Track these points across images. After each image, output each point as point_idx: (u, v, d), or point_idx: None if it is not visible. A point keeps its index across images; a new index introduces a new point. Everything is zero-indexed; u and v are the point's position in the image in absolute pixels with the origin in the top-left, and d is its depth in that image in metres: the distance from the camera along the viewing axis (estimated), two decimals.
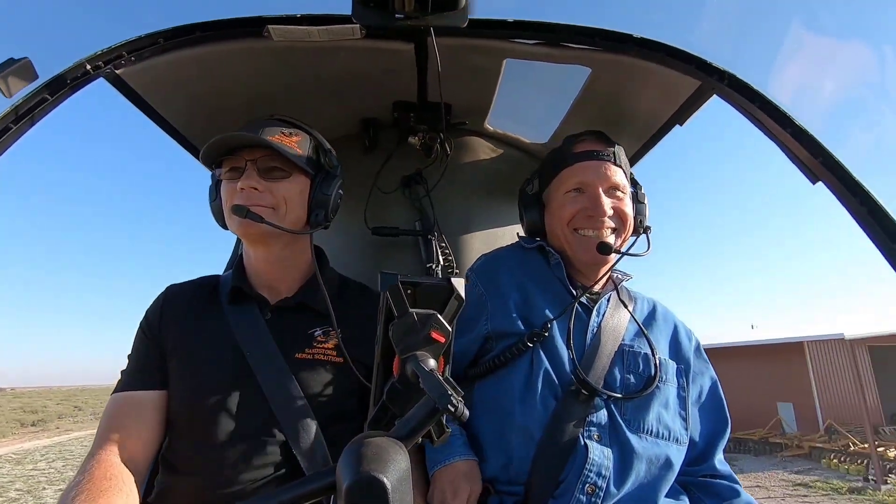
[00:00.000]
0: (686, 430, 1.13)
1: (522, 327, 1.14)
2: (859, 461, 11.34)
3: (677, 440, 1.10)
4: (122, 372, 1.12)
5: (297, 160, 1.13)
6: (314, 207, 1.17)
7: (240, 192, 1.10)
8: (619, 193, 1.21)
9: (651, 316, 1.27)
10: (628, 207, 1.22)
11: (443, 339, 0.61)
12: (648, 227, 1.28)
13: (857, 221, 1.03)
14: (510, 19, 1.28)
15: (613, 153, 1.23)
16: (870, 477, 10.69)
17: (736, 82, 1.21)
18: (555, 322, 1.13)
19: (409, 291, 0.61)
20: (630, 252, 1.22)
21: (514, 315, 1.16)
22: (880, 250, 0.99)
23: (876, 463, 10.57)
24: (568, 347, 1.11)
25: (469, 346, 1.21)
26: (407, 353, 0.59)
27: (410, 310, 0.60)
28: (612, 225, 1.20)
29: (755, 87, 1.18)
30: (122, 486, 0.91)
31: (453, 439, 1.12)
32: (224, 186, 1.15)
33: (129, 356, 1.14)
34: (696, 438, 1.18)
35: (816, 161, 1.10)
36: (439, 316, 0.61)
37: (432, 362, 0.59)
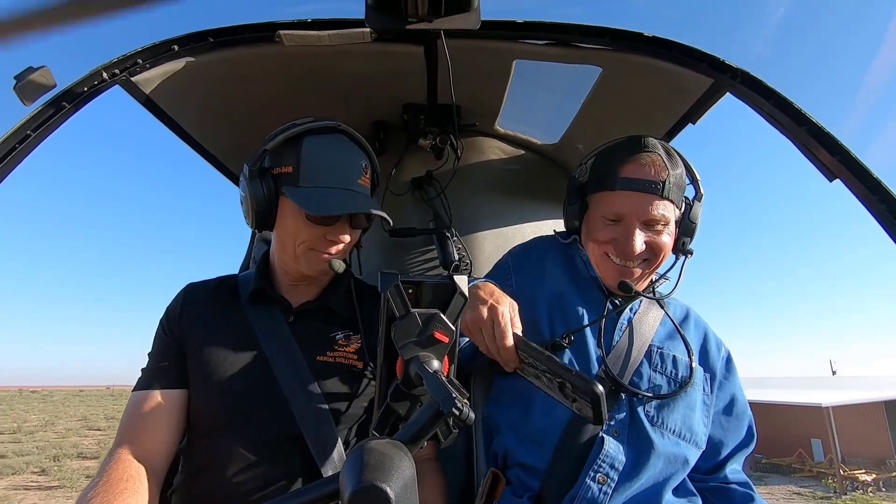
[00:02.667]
0: (705, 436, 1.12)
1: (548, 332, 1.12)
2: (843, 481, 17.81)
3: (696, 444, 1.09)
4: (142, 370, 1.13)
5: (377, 210, 1.10)
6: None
7: (327, 241, 1.09)
8: (658, 227, 1.11)
9: (684, 321, 1.23)
10: (666, 239, 1.12)
11: (446, 340, 0.59)
12: (690, 252, 1.17)
13: (877, 219, 1.00)
14: (520, 20, 1.27)
15: (664, 185, 1.08)
16: (838, 491, 17.33)
17: (750, 80, 1.19)
18: (585, 316, 1.12)
19: (410, 291, 0.60)
20: (648, 295, 1.17)
21: (545, 317, 1.15)
22: None
23: (839, 481, 17.35)
24: (598, 345, 1.09)
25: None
26: (410, 355, 0.58)
27: (412, 310, 0.59)
28: (644, 258, 1.12)
29: (769, 85, 1.16)
30: (139, 488, 0.92)
31: None
32: (302, 221, 1.09)
33: (149, 354, 1.15)
34: (720, 448, 1.16)
35: (834, 159, 1.07)
36: (442, 315, 0.60)
37: (436, 363, 0.58)
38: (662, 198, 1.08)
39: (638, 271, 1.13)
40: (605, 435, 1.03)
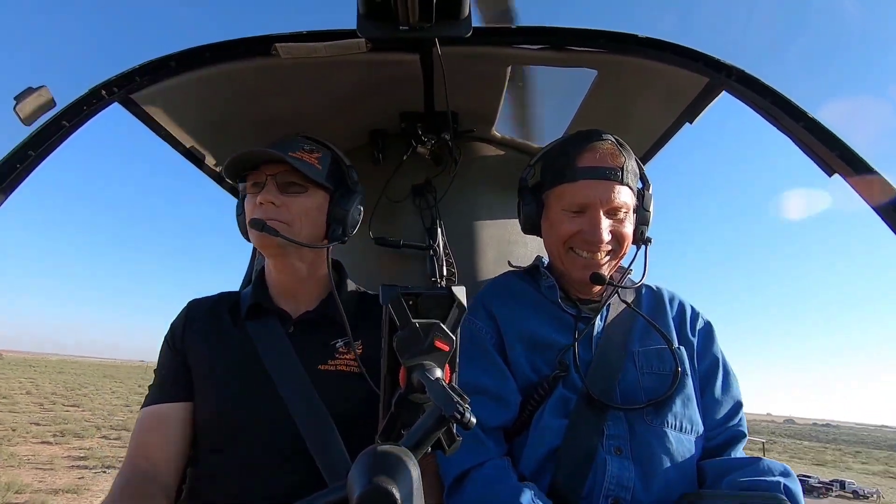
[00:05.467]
0: (701, 417, 1.10)
1: (532, 372, 1.11)
2: None
3: (698, 432, 1.08)
4: (150, 387, 1.15)
5: (314, 176, 1.14)
6: (332, 222, 1.18)
7: (259, 207, 1.12)
8: (620, 214, 1.12)
9: (656, 306, 1.22)
10: (628, 228, 1.14)
11: (447, 348, 0.60)
12: (649, 240, 1.19)
13: (878, 213, 1.00)
14: (513, 25, 1.28)
15: (622, 171, 1.11)
16: None
17: (745, 78, 1.19)
18: (560, 342, 1.11)
19: (410, 302, 0.61)
20: (623, 285, 1.17)
21: (523, 359, 1.13)
22: None
23: None
24: (576, 370, 1.08)
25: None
26: (412, 364, 0.59)
27: (413, 320, 0.60)
28: (609, 248, 1.13)
29: (765, 82, 1.16)
30: None
31: None
32: (247, 201, 1.18)
33: (154, 371, 1.17)
34: (713, 430, 1.11)
35: (833, 154, 1.07)
36: (442, 325, 0.61)
37: (438, 371, 0.59)
38: (622, 183, 1.11)
39: (604, 263, 1.13)
40: (607, 456, 1.00)
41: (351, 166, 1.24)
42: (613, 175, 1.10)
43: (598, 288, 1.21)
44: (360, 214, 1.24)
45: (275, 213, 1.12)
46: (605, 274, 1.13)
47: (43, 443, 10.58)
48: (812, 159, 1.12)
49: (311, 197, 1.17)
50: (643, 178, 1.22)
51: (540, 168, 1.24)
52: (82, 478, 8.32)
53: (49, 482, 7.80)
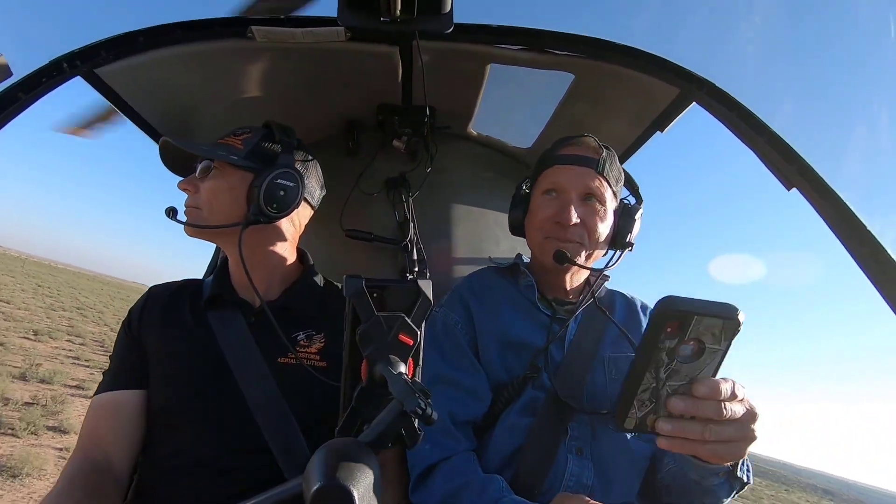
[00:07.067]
0: None
1: (504, 371, 1.12)
2: None
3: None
4: (104, 373, 1.11)
5: (224, 157, 1.11)
6: (248, 202, 1.11)
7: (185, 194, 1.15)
8: (595, 204, 1.13)
9: (630, 314, 1.25)
10: (600, 219, 1.14)
11: (411, 342, 0.60)
12: (630, 245, 1.19)
13: (829, 227, 1.04)
14: (495, 24, 1.29)
15: (600, 160, 1.13)
16: None
17: (714, 91, 1.23)
18: (533, 342, 1.12)
19: (374, 294, 0.60)
20: (591, 267, 1.18)
21: (496, 358, 1.13)
22: (851, 255, 1.01)
23: None
24: (545, 369, 1.09)
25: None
26: (375, 358, 0.58)
27: (377, 313, 0.59)
28: (578, 234, 1.12)
29: (733, 96, 1.20)
30: (102, 498, 0.91)
31: None
32: None
33: (110, 357, 1.13)
34: None
35: (791, 168, 1.12)
36: (406, 318, 0.60)
37: (401, 366, 0.58)
38: (598, 173, 1.13)
39: (573, 249, 1.13)
40: (568, 454, 1.02)
41: (278, 141, 1.17)
42: (589, 162, 1.14)
43: (574, 286, 1.23)
44: (287, 192, 1.11)
45: (189, 199, 1.14)
46: (575, 270, 1.14)
47: (24, 338, 10.62)
48: (772, 173, 1.17)
49: (223, 178, 1.12)
50: (635, 193, 1.25)
51: (530, 179, 1.27)
52: (93, 374, 8.49)
53: (71, 374, 8.09)
